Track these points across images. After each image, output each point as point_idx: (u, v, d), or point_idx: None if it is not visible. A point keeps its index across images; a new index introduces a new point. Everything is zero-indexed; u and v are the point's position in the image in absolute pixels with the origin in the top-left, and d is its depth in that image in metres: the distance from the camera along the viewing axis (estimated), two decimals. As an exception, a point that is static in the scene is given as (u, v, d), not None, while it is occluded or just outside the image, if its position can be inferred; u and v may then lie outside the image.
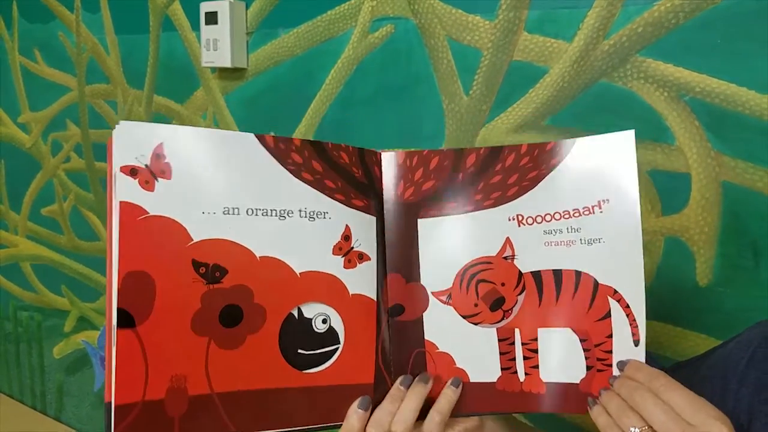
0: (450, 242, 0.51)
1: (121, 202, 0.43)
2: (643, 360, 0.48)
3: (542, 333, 0.51)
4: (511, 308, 0.50)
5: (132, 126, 0.44)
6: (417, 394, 0.48)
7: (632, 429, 0.42)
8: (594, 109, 0.74)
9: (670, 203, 0.71)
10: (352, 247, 0.49)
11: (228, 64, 0.99)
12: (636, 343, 0.48)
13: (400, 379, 0.49)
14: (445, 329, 0.51)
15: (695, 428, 0.40)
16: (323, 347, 0.48)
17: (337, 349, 0.48)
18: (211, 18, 0.99)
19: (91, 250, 1.33)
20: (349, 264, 0.49)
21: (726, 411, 0.45)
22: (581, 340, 0.50)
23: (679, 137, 0.70)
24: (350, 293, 0.49)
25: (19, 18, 1.36)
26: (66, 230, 1.37)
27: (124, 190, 0.43)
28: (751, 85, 0.65)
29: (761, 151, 0.65)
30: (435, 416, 0.47)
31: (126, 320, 0.42)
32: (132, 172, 0.43)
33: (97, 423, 1.39)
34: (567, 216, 0.49)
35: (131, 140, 0.44)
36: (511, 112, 0.80)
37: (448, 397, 0.48)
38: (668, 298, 0.72)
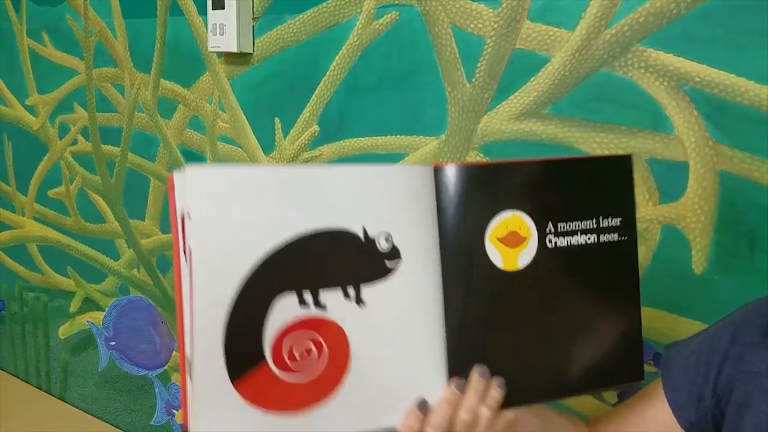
0: None
1: None
2: None
3: None
4: None
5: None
6: (480, 388, 0.50)
7: None
8: (595, 98, 0.75)
9: (668, 192, 0.72)
10: None
11: (234, 49, 1.00)
12: None
13: (456, 383, 0.50)
14: None
15: None
16: None
17: None
18: (218, 3, 1.00)
19: (97, 232, 1.35)
20: None
21: (708, 383, 0.51)
22: None
23: (678, 126, 0.70)
24: None
25: (28, 1, 1.37)
26: (72, 212, 1.38)
27: None
28: (750, 75, 0.66)
29: (759, 142, 0.66)
30: (486, 412, 0.49)
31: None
32: None
33: (101, 403, 1.42)
34: None
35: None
36: (513, 100, 0.81)
37: (494, 395, 0.50)
38: (664, 285, 0.73)
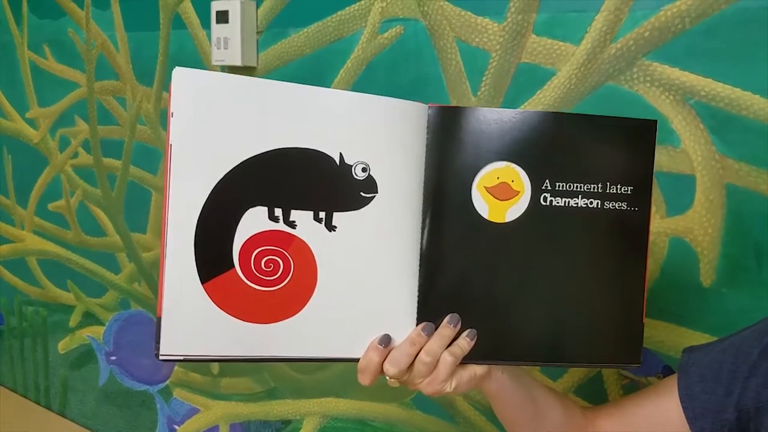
0: None
1: None
2: None
3: None
4: None
5: None
6: (446, 335, 0.49)
7: None
8: (601, 112, 0.75)
9: (675, 204, 0.72)
10: None
11: (238, 63, 1.00)
12: None
13: (422, 326, 0.50)
14: None
15: None
16: None
17: None
18: (222, 17, 1.00)
19: (97, 245, 1.34)
20: None
21: (731, 395, 0.48)
22: None
23: (684, 140, 0.71)
24: None
25: (29, 14, 1.37)
26: (73, 226, 1.37)
27: None
28: (755, 89, 0.66)
29: (765, 154, 0.66)
30: (448, 358, 0.49)
31: None
32: None
33: (101, 418, 1.40)
34: None
35: None
36: (519, 114, 0.81)
37: (461, 345, 0.50)
38: (672, 298, 0.73)
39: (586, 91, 0.76)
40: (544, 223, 0.49)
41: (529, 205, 0.49)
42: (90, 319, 1.39)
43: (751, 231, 0.68)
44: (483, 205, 0.49)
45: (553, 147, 0.49)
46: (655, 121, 0.50)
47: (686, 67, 0.70)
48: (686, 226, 0.71)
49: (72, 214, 1.37)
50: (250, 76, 1.04)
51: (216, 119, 0.46)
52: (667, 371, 0.73)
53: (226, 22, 0.99)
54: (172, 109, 0.46)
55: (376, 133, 0.48)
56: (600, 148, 0.50)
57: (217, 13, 1.00)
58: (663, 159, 0.72)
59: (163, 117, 1.17)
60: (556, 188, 0.49)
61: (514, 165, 0.49)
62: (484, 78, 0.83)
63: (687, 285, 0.72)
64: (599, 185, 0.49)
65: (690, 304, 0.72)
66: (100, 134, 1.29)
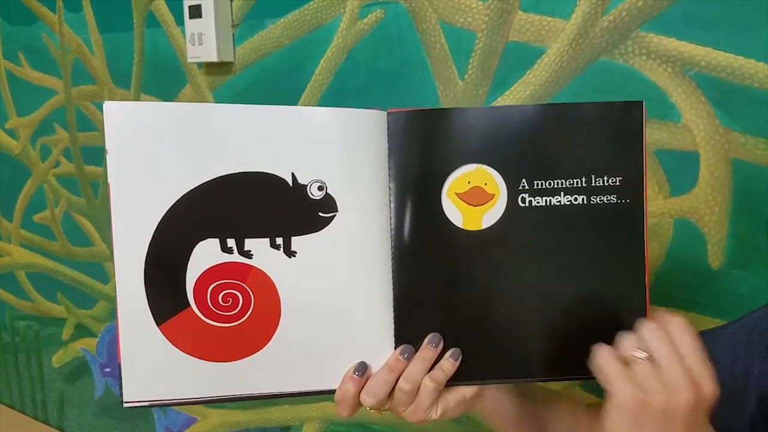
0: None
1: None
2: None
3: None
4: None
5: None
6: (427, 357, 0.46)
7: (634, 353, 0.41)
8: (595, 89, 0.71)
9: (679, 184, 0.68)
10: None
11: (214, 59, 0.96)
12: None
13: (400, 349, 0.46)
14: None
15: (692, 372, 0.40)
16: None
17: None
18: (195, 11, 0.95)
19: (84, 255, 1.31)
20: None
21: (750, 378, 0.45)
22: None
23: (685, 114, 0.67)
24: None
25: (2, 21, 1.33)
26: (59, 236, 1.34)
27: None
28: (759, 56, 0.62)
29: (772, 126, 0.62)
30: (428, 384, 0.45)
31: None
32: None
33: (100, 431, 1.37)
34: None
35: None
36: (509, 96, 0.77)
37: (444, 368, 0.46)
38: (679, 282, 0.69)
39: (579, 68, 0.72)
40: (525, 226, 0.45)
41: (506, 208, 0.45)
42: (82, 331, 1.35)
43: (760, 208, 0.64)
44: (456, 213, 0.45)
45: (526, 142, 0.45)
46: (642, 102, 0.45)
47: (684, 36, 0.66)
48: (691, 206, 0.67)
49: (57, 225, 1.33)
50: (228, 71, 1.00)
51: (154, 152, 0.44)
52: (678, 360, 0.69)
53: (200, 16, 0.95)
54: (107, 146, 0.43)
55: (329, 148, 0.45)
56: (579, 139, 0.45)
57: (190, 7, 0.96)
58: (664, 136, 0.68)
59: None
60: (535, 187, 0.45)
61: (485, 166, 0.45)
62: (470, 60, 0.79)
63: (695, 268, 0.68)
64: (583, 179, 0.45)
65: (699, 288, 0.68)
66: (80, 141, 1.25)
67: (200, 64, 1.03)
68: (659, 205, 0.69)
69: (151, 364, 0.44)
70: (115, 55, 1.16)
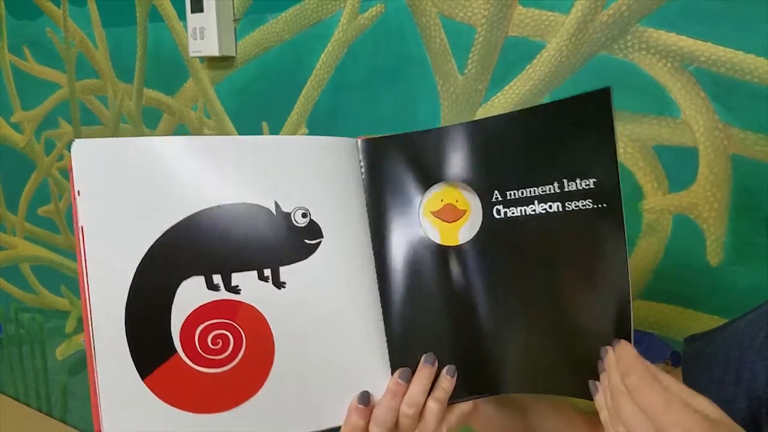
0: None
1: None
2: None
3: None
4: None
5: None
6: (425, 377, 0.45)
7: None
8: (594, 84, 0.70)
9: (678, 179, 0.67)
10: None
11: (216, 53, 0.96)
12: None
13: (398, 373, 0.46)
14: None
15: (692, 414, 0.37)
16: None
17: None
18: (197, 5, 0.96)
19: (88, 249, 1.31)
20: None
21: (741, 383, 0.44)
22: None
23: (684, 110, 0.66)
24: None
25: (7, 15, 1.33)
26: (63, 230, 1.35)
27: None
28: (759, 51, 0.62)
29: (772, 121, 0.62)
30: (433, 406, 0.45)
31: None
32: None
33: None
34: None
35: None
36: (508, 91, 0.77)
37: (444, 386, 0.46)
38: (678, 279, 0.68)
39: (578, 63, 0.71)
40: (502, 238, 0.44)
41: (482, 221, 0.44)
42: (85, 324, 1.36)
43: (760, 204, 0.64)
44: (433, 230, 0.45)
45: (493, 154, 0.44)
46: (609, 88, 0.42)
47: (684, 31, 0.65)
48: (690, 202, 0.67)
49: (61, 218, 1.34)
50: (230, 65, 1.00)
51: (129, 190, 0.41)
52: (675, 358, 0.69)
53: (201, 11, 0.95)
54: (77, 187, 0.40)
55: (308, 175, 0.44)
56: (546, 142, 0.43)
57: (192, 1, 0.96)
58: (663, 131, 0.67)
59: (146, 114, 1.14)
60: (508, 197, 0.44)
61: (454, 184, 0.45)
62: (470, 55, 0.79)
63: (693, 265, 0.67)
64: (555, 184, 0.42)
65: (697, 285, 0.68)
66: (84, 135, 1.25)
67: (202, 59, 1.03)
68: (658, 201, 0.68)
69: (137, 423, 0.40)
70: (118, 50, 1.16)
